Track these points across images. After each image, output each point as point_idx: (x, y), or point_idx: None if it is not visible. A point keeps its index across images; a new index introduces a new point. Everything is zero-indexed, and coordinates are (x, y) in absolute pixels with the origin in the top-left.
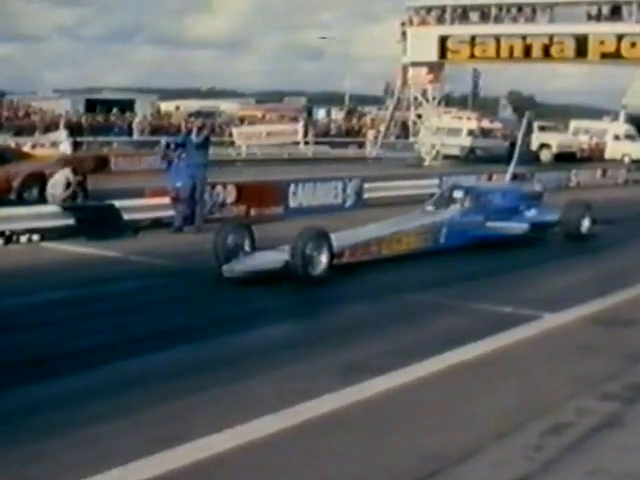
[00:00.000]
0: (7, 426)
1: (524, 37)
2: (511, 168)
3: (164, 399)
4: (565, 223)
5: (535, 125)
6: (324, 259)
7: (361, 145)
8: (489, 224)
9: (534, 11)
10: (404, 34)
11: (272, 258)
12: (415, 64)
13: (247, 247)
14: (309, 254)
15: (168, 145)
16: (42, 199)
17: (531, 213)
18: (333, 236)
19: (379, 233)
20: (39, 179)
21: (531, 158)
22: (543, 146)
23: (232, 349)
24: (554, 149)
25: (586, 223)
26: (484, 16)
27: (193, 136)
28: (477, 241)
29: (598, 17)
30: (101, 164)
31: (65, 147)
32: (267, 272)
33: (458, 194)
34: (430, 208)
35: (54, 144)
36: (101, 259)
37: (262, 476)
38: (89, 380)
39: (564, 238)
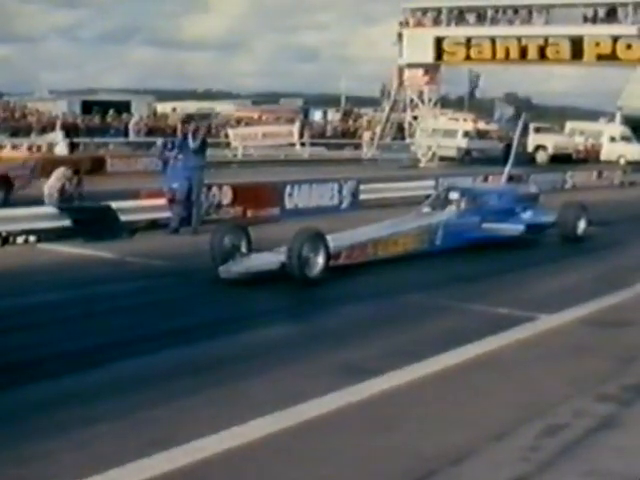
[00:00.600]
0: (3, 427)
1: (520, 39)
2: (507, 170)
3: (161, 400)
4: (561, 224)
5: (531, 127)
6: (320, 260)
7: (357, 147)
8: (485, 226)
9: (530, 13)
10: (400, 36)
11: (268, 259)
12: (411, 65)
13: (244, 248)
14: (305, 255)
15: (165, 145)
16: (6, 202)
17: (527, 215)
18: (329, 237)
19: (375, 235)
20: (3, 182)
21: (526, 160)
22: (539, 147)
23: (229, 350)
24: (550, 150)
25: (582, 224)
26: (480, 18)
27: (190, 141)
28: (473, 243)
29: (594, 19)
30: (97, 165)
31: (61, 148)
32: (263, 273)
33: (454, 196)
34: (426, 210)
35: (50, 145)
36: (97, 260)
37: (259, 477)
38: (85, 381)
39: (560, 239)
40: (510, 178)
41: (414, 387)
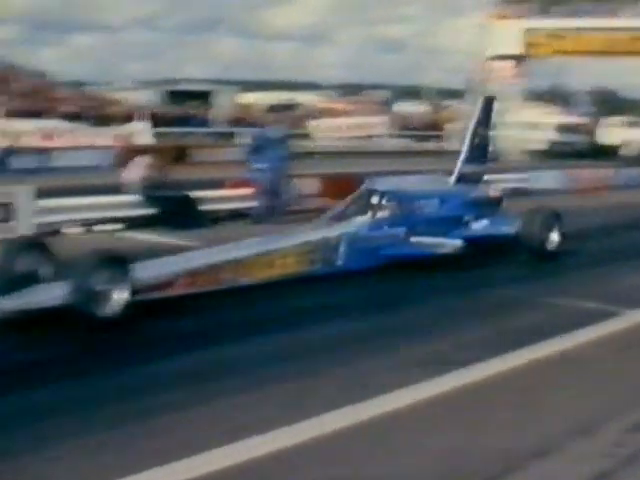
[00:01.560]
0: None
1: (608, 31)
2: (458, 167)
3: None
4: (525, 236)
5: (619, 121)
6: (123, 295)
7: (443, 139)
8: (413, 239)
9: (618, 4)
10: (487, 27)
11: (50, 293)
12: (498, 58)
13: (44, 272)
14: (95, 289)
15: (253, 146)
16: None
17: (480, 224)
18: (137, 266)
19: (215, 259)
20: None
21: (487, 154)
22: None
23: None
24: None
25: (554, 237)
26: (568, 10)
27: (271, 133)
28: (394, 260)
29: None
30: (181, 155)
31: (145, 137)
32: (44, 311)
33: (373, 200)
34: (330, 219)
35: (134, 134)
36: (178, 249)
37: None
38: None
39: (526, 254)
40: (462, 178)
41: (494, 382)
